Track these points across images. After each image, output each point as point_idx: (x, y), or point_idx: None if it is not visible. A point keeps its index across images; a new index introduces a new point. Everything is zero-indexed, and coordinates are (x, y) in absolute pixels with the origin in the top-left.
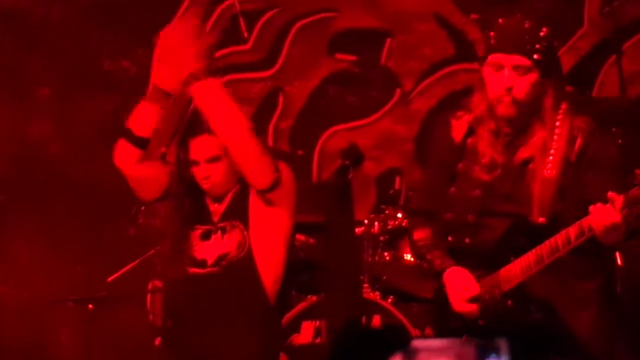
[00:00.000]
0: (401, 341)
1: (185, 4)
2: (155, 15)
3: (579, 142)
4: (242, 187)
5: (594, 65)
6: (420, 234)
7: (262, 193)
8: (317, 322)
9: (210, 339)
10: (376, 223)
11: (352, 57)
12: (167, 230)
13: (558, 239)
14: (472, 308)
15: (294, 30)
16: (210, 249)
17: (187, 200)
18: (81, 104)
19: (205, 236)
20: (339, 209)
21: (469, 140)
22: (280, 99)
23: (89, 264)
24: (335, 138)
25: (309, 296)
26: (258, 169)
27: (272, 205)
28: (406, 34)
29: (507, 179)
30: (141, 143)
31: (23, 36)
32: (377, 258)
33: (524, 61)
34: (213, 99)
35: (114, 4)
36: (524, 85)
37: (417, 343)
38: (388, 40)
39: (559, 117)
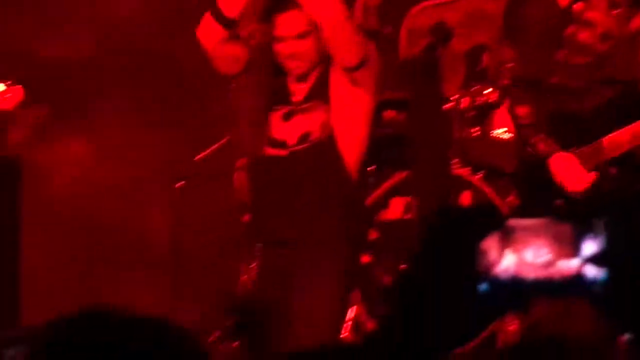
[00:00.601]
0: (495, 220)
1: None
2: None
3: None
4: (325, 68)
5: None
6: (523, 110)
7: (348, 71)
8: (407, 198)
9: (295, 217)
10: (464, 99)
11: None
12: (245, 109)
13: None
14: (585, 187)
15: None
16: (291, 129)
17: (268, 78)
18: None
19: (287, 117)
20: (426, 86)
21: (577, 5)
22: None
23: (177, 142)
24: (423, 15)
25: (397, 172)
26: (348, 46)
27: (356, 85)
28: None
29: (619, 48)
30: (229, 23)
31: None
32: (465, 134)
33: None
34: None
35: None
36: None
37: (512, 222)
38: None
39: None
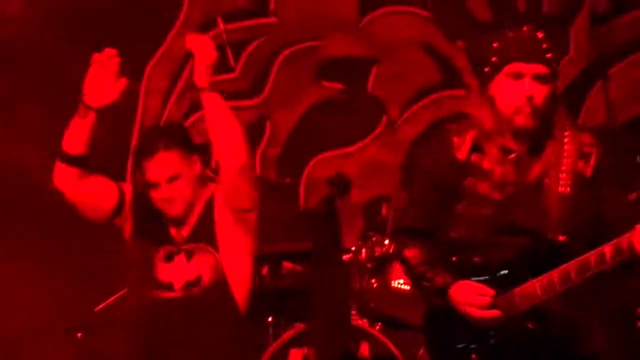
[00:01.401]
0: None
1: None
2: None
3: (594, 157)
4: (206, 208)
5: (580, 92)
6: (412, 252)
7: (243, 212)
8: (305, 350)
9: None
10: (363, 250)
11: (339, 85)
12: (130, 256)
13: (590, 258)
14: (495, 313)
15: (280, 58)
16: (175, 271)
17: (148, 223)
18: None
19: (168, 258)
20: (326, 237)
21: (473, 156)
22: (267, 127)
23: (76, 292)
24: (322, 166)
25: (297, 324)
26: (247, 190)
27: (243, 224)
28: (392, 62)
29: (520, 196)
30: (77, 161)
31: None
32: (364, 285)
33: (544, 69)
34: (221, 108)
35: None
36: (543, 94)
37: None
38: (374, 68)
39: (567, 132)
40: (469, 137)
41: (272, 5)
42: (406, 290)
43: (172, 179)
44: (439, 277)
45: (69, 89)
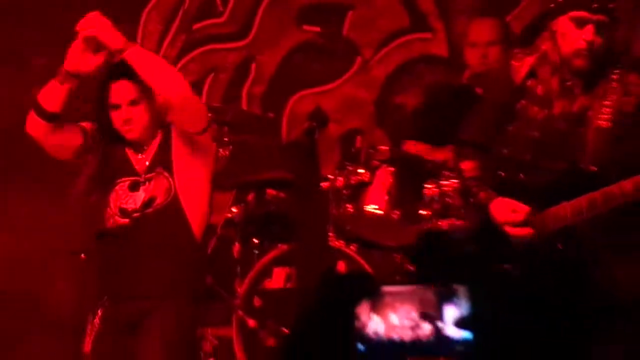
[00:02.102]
0: (367, 287)
1: None
2: None
3: (633, 99)
4: (165, 136)
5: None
6: (468, 165)
7: (195, 135)
8: (288, 269)
9: (142, 276)
10: (340, 178)
11: (317, 29)
12: (89, 186)
13: (614, 189)
14: (528, 231)
15: (264, 4)
16: (137, 198)
17: (108, 150)
18: None
19: (134, 187)
20: (306, 166)
21: (530, 82)
22: (253, 67)
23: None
24: (302, 102)
25: (279, 245)
26: (194, 113)
27: (199, 149)
28: (365, 7)
29: (565, 124)
30: (52, 117)
31: None
32: (341, 210)
33: (605, 19)
34: (146, 57)
35: None
36: (602, 41)
37: (384, 289)
38: (349, 13)
39: (617, 71)
40: (527, 63)
41: None
42: (379, 214)
43: (132, 102)
44: (483, 193)
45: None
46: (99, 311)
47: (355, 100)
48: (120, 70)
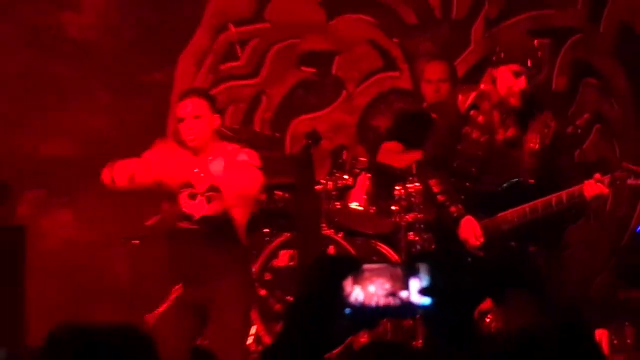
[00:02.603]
0: (351, 265)
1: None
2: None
3: (552, 129)
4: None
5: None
6: (433, 181)
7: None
8: (291, 251)
9: (209, 269)
10: (330, 182)
11: (313, 70)
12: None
13: (552, 199)
14: (480, 251)
15: (272, 51)
16: (195, 207)
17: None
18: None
19: (192, 197)
20: (304, 173)
21: (472, 112)
22: (264, 98)
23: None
24: (301, 125)
25: (284, 233)
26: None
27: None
28: (348, 53)
29: (504, 147)
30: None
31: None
32: (331, 206)
33: (534, 72)
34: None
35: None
36: (530, 85)
37: (364, 266)
38: (337, 58)
39: (537, 111)
40: (470, 97)
41: (266, 15)
42: (360, 209)
43: (196, 117)
44: (454, 207)
45: (131, 81)
46: (172, 293)
47: (342, 123)
48: (189, 90)
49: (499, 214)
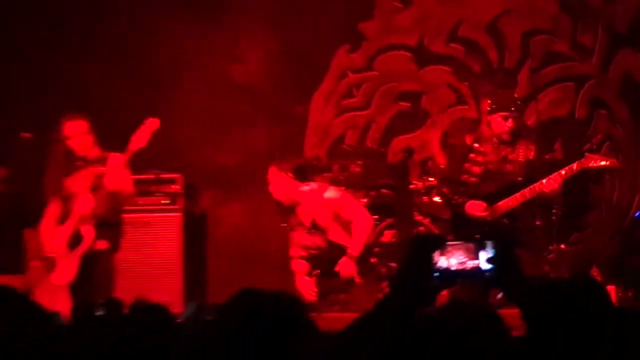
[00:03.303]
0: (437, 242)
1: None
2: None
3: (532, 152)
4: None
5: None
6: (446, 189)
7: None
8: (393, 231)
9: None
10: (419, 183)
11: (407, 104)
12: None
13: (535, 185)
14: (484, 215)
15: (379, 91)
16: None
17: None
18: None
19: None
20: (402, 177)
21: (475, 145)
22: (373, 125)
23: None
24: (399, 143)
25: (388, 219)
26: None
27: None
28: (432, 92)
29: (496, 163)
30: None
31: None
32: (420, 200)
33: (518, 114)
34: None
35: None
36: (517, 124)
37: (446, 243)
38: (424, 96)
39: (522, 139)
40: (472, 136)
41: (375, 66)
42: (439, 202)
43: None
44: (460, 198)
45: (280, 112)
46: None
47: (428, 141)
48: None
49: (497, 203)
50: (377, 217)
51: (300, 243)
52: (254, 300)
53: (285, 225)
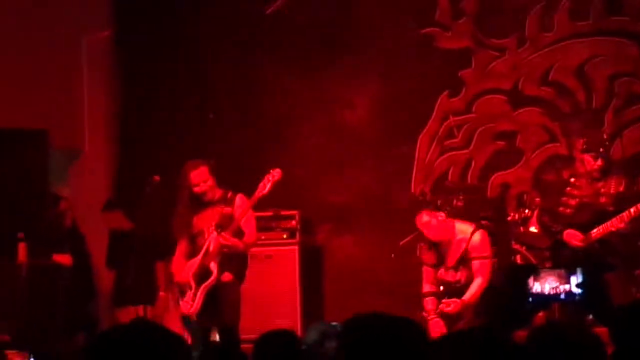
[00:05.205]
0: (533, 269)
1: None
2: None
3: (622, 185)
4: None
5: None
6: (546, 219)
7: None
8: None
9: None
10: (516, 215)
11: (503, 143)
12: None
13: (624, 215)
14: (579, 244)
15: (477, 131)
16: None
17: None
18: None
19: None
20: (499, 209)
21: (572, 179)
22: (472, 162)
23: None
24: (497, 178)
25: None
26: None
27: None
28: (526, 132)
29: (591, 197)
30: None
31: None
32: (517, 230)
33: (604, 153)
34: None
35: None
36: (605, 162)
37: (541, 270)
38: (518, 135)
39: (611, 175)
40: (569, 172)
41: (473, 109)
42: (535, 232)
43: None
44: (556, 226)
45: (387, 153)
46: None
47: (523, 177)
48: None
49: (591, 231)
50: None
51: (441, 278)
52: (370, 324)
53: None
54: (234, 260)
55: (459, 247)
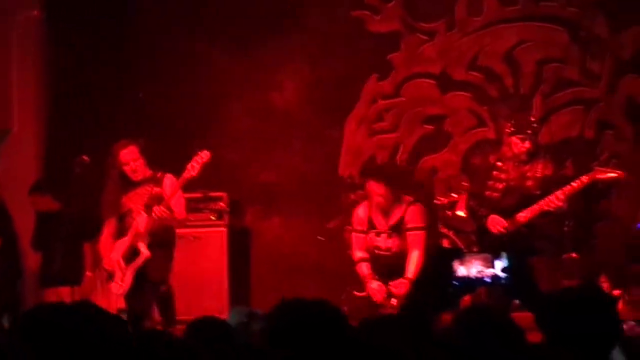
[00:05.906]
0: (459, 253)
1: None
2: None
3: (549, 169)
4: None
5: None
6: (473, 202)
7: None
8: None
9: None
10: (444, 199)
11: (431, 127)
12: None
13: (550, 197)
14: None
15: (405, 115)
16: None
17: None
18: None
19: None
20: (427, 192)
21: (497, 163)
22: (401, 146)
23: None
24: (425, 162)
25: None
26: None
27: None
28: (454, 116)
29: (517, 180)
30: None
31: None
32: (444, 214)
33: (532, 136)
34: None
35: None
36: (533, 145)
37: (466, 253)
38: (447, 119)
39: (536, 159)
40: (496, 156)
41: (402, 93)
42: (462, 216)
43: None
44: (483, 211)
45: (316, 135)
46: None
47: (451, 160)
48: None
49: (516, 215)
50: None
51: (372, 244)
52: (296, 309)
53: (321, 238)
54: (163, 240)
55: (395, 214)
